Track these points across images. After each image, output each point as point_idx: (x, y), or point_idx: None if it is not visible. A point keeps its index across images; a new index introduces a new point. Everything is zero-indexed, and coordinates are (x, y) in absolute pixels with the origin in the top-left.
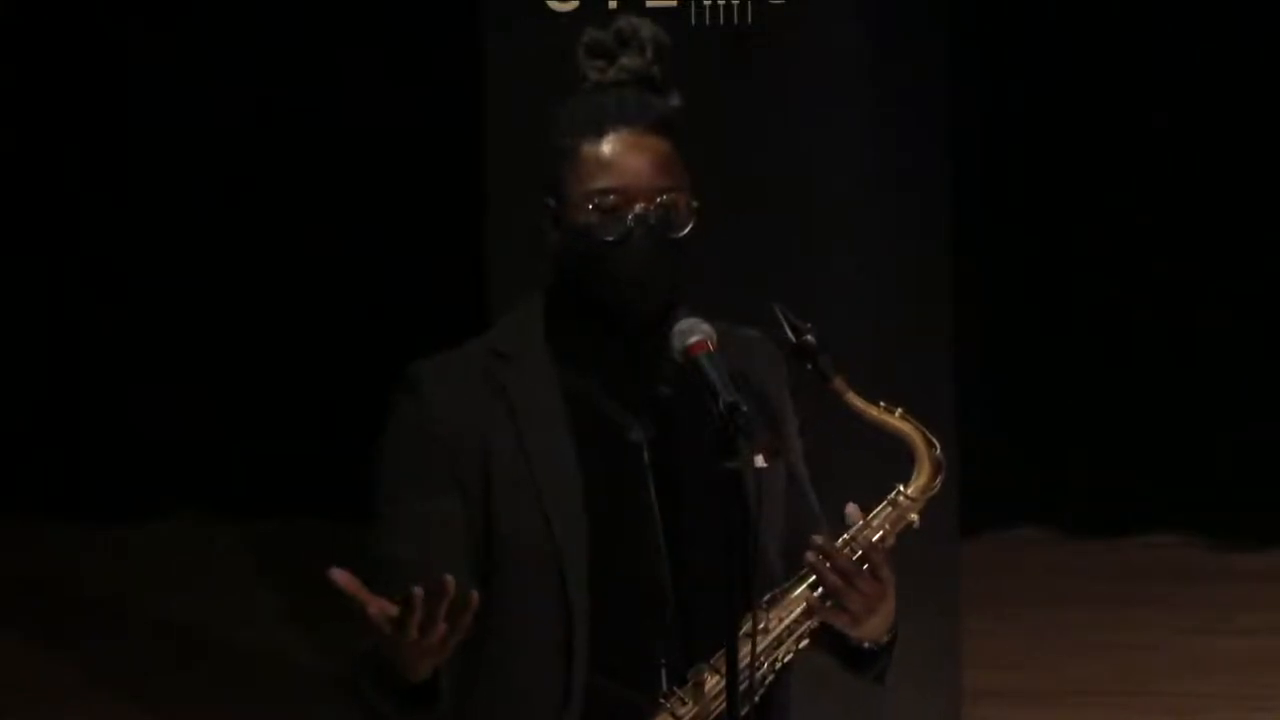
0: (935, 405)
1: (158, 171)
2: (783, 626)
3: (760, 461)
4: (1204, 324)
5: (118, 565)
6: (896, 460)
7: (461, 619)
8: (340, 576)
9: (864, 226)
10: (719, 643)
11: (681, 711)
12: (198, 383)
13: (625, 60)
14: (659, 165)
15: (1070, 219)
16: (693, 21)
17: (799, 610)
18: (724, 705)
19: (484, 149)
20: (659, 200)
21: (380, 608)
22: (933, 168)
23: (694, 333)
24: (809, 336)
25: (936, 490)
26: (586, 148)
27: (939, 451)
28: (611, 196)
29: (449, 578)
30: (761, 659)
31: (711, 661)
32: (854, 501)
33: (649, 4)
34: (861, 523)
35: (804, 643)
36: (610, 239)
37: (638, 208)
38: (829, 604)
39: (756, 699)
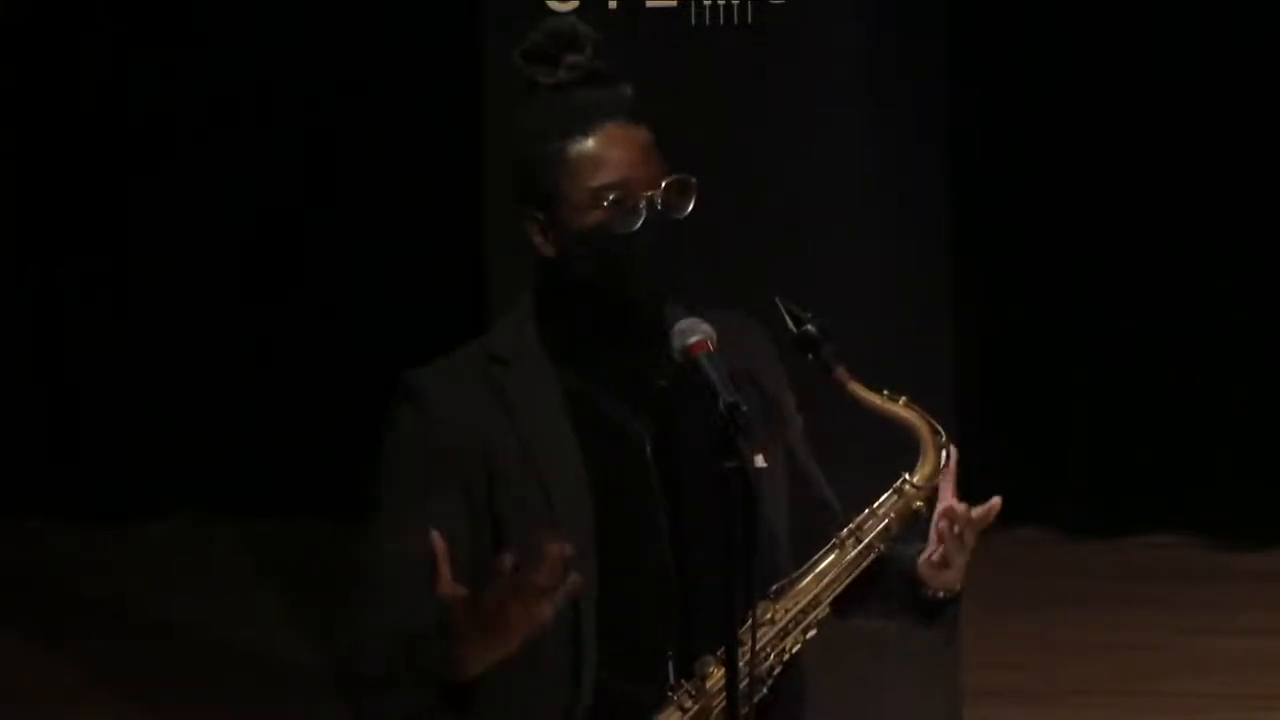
0: (935, 405)
1: (158, 172)
2: (789, 617)
3: (760, 461)
4: (1204, 324)
5: (118, 565)
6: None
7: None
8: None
9: (864, 226)
10: (724, 635)
11: (689, 704)
12: (198, 383)
13: (571, 59)
14: (650, 152)
15: (1070, 219)
16: (693, 21)
17: (807, 600)
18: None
19: (484, 149)
20: (665, 184)
21: (452, 588)
22: (933, 168)
23: (694, 333)
24: (810, 327)
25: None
26: (576, 148)
27: (944, 439)
28: (617, 191)
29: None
30: (768, 650)
31: (718, 654)
32: (858, 490)
33: (649, 4)
34: (868, 511)
35: (812, 633)
36: (629, 230)
37: (648, 194)
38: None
39: (765, 689)
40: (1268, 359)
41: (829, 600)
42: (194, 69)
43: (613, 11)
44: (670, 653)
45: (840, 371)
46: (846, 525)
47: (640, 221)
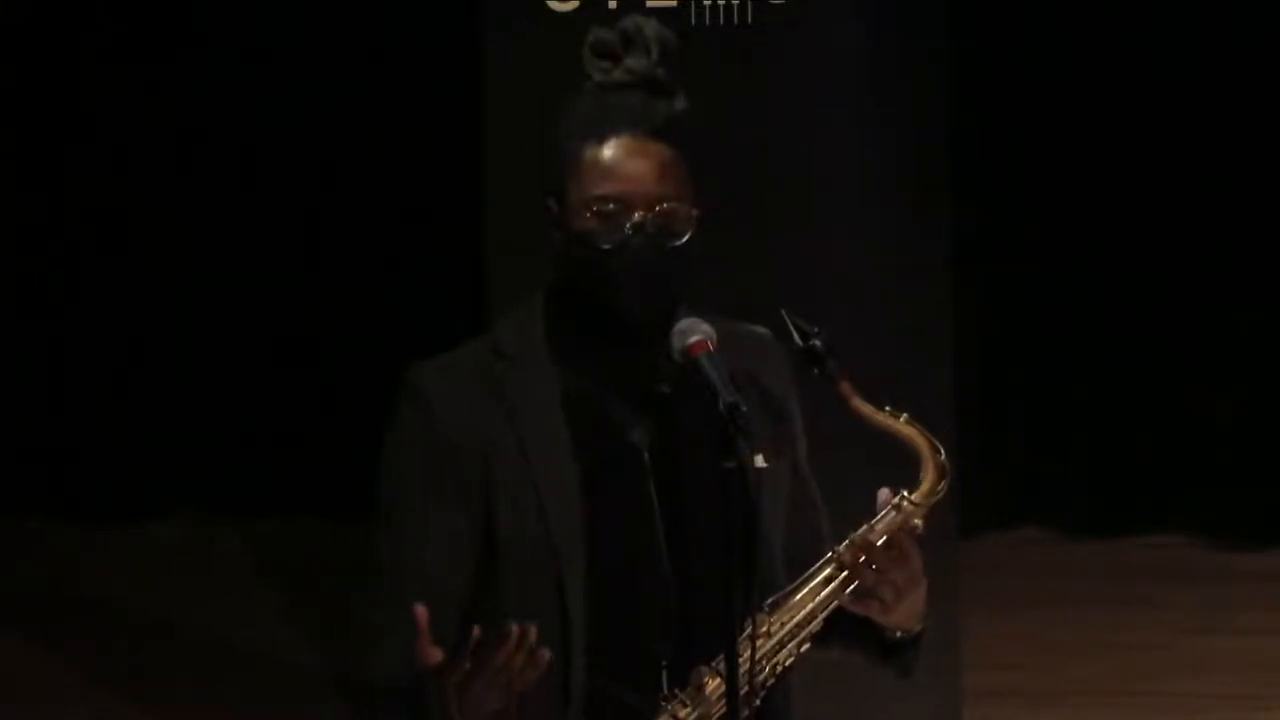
0: (935, 405)
1: (158, 172)
2: (785, 630)
3: (760, 461)
4: (1204, 324)
5: (118, 565)
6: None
7: (531, 665)
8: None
9: (864, 227)
10: (721, 644)
11: (682, 713)
12: (198, 383)
13: (630, 61)
14: (660, 172)
15: (1071, 219)
16: (693, 21)
17: (801, 614)
18: (724, 708)
19: (484, 149)
20: (658, 209)
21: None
22: (933, 168)
23: (694, 333)
24: (816, 341)
25: (941, 495)
26: (588, 152)
27: (944, 457)
28: (611, 204)
29: (513, 626)
30: (763, 662)
31: (713, 663)
32: (857, 505)
33: (649, 4)
34: (866, 527)
35: (806, 646)
36: (607, 246)
37: (636, 216)
38: (861, 593)
39: (758, 702)
40: (1268, 359)
41: (824, 615)
42: (194, 69)
43: (612, 11)
44: (665, 661)
45: (844, 386)
46: (844, 540)
47: (619, 240)
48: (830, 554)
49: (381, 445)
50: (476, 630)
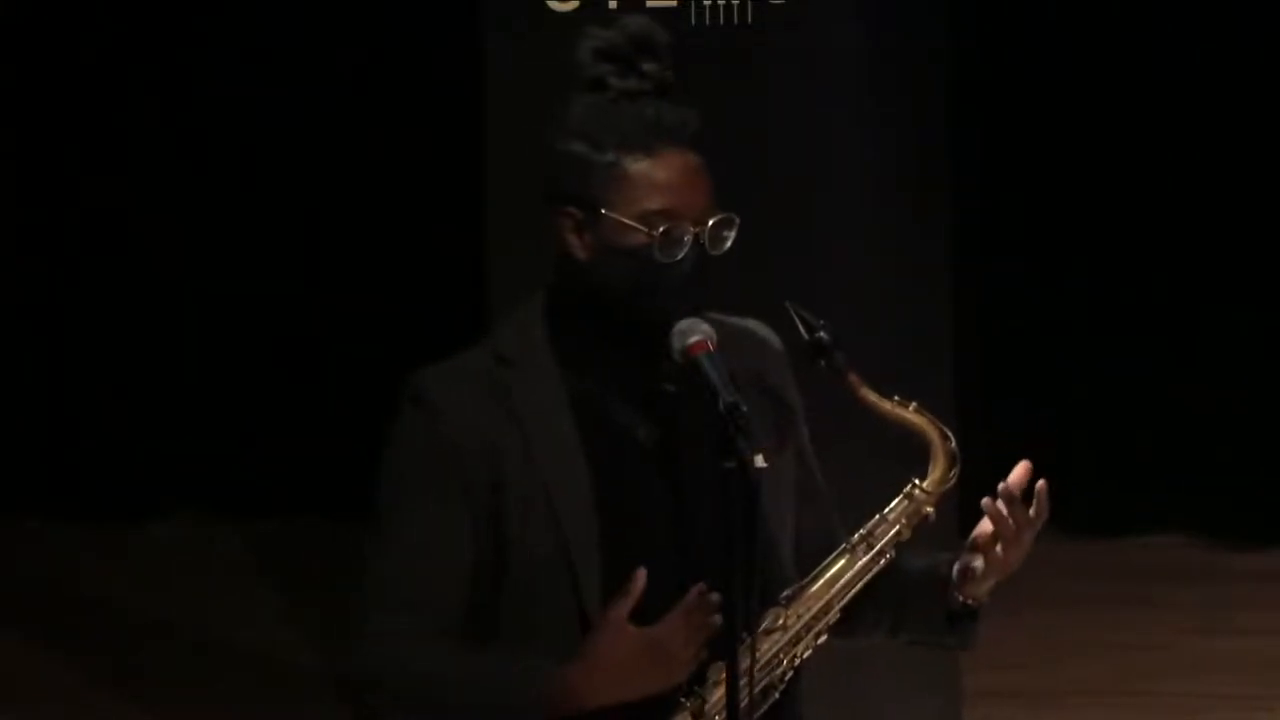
0: (935, 405)
1: (158, 172)
2: (801, 623)
3: (760, 461)
4: (1204, 323)
5: (118, 565)
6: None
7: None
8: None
9: (864, 226)
10: (740, 638)
11: (698, 707)
12: (198, 382)
13: (648, 67)
14: (706, 185)
15: (1071, 219)
16: (693, 21)
17: (818, 606)
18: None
19: (484, 149)
20: (712, 222)
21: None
22: (933, 168)
23: (694, 333)
24: (822, 334)
25: (952, 483)
26: (635, 166)
27: (954, 444)
28: (668, 220)
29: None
30: (780, 656)
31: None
32: (868, 495)
33: (649, 4)
34: (879, 516)
35: (823, 638)
36: (667, 260)
37: (694, 231)
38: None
39: (776, 695)
40: (1268, 359)
41: (840, 606)
42: (194, 68)
43: (612, 11)
44: None
45: (852, 378)
46: (857, 531)
47: (682, 253)
48: (844, 545)
49: (382, 450)
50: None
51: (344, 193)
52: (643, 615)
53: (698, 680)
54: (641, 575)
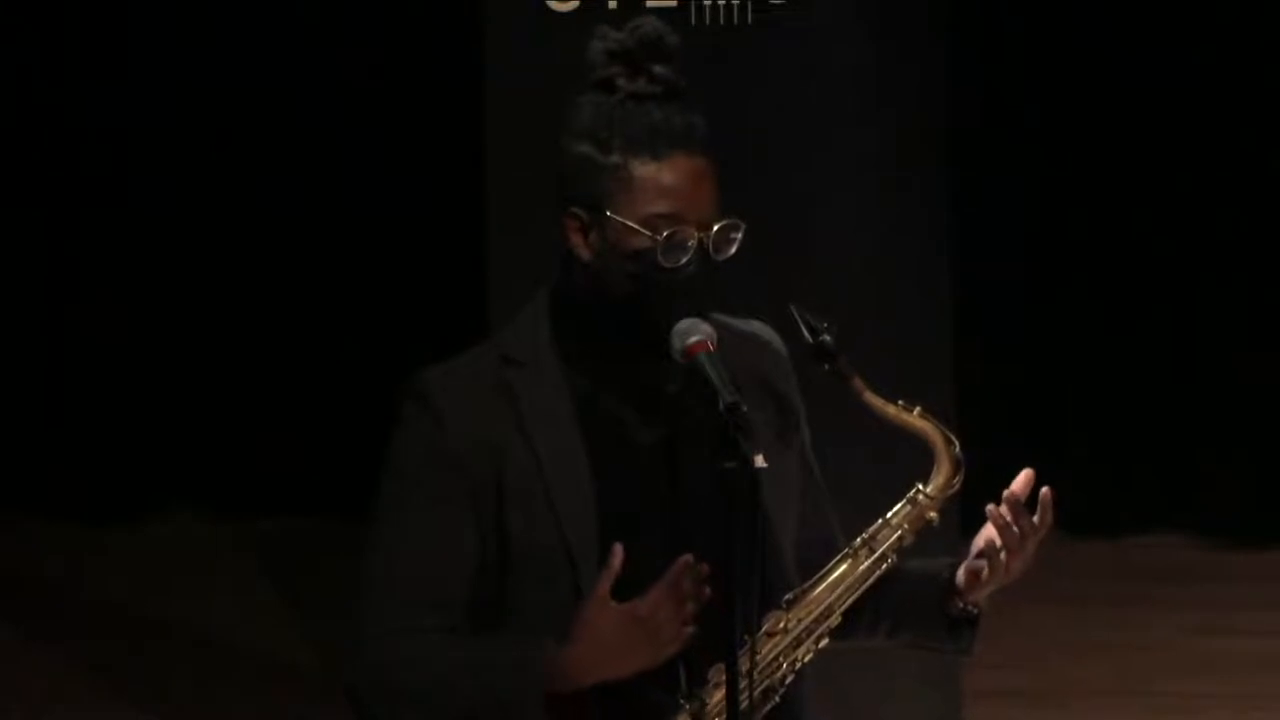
0: (935, 405)
1: (159, 171)
2: (802, 627)
3: (760, 462)
4: (1204, 323)
5: (118, 565)
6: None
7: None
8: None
9: (864, 226)
10: (741, 640)
11: (700, 711)
12: (198, 382)
13: (657, 70)
14: (713, 191)
15: (1070, 218)
16: (693, 21)
17: (820, 609)
18: (742, 704)
19: (484, 149)
20: (716, 228)
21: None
22: (933, 168)
23: (694, 333)
24: (826, 337)
25: (956, 488)
26: (642, 169)
27: (958, 449)
28: (672, 223)
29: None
30: (781, 659)
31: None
32: (871, 500)
33: (649, 4)
34: (881, 521)
35: (824, 642)
36: (673, 265)
37: (699, 236)
38: (997, 556)
39: (777, 698)
40: (1268, 359)
41: (841, 610)
42: (195, 68)
43: (612, 11)
44: (682, 659)
45: (856, 382)
46: (860, 535)
47: (687, 258)
48: (847, 549)
49: (385, 449)
50: (618, 548)
51: (345, 193)
52: None
53: (697, 682)
54: (619, 550)
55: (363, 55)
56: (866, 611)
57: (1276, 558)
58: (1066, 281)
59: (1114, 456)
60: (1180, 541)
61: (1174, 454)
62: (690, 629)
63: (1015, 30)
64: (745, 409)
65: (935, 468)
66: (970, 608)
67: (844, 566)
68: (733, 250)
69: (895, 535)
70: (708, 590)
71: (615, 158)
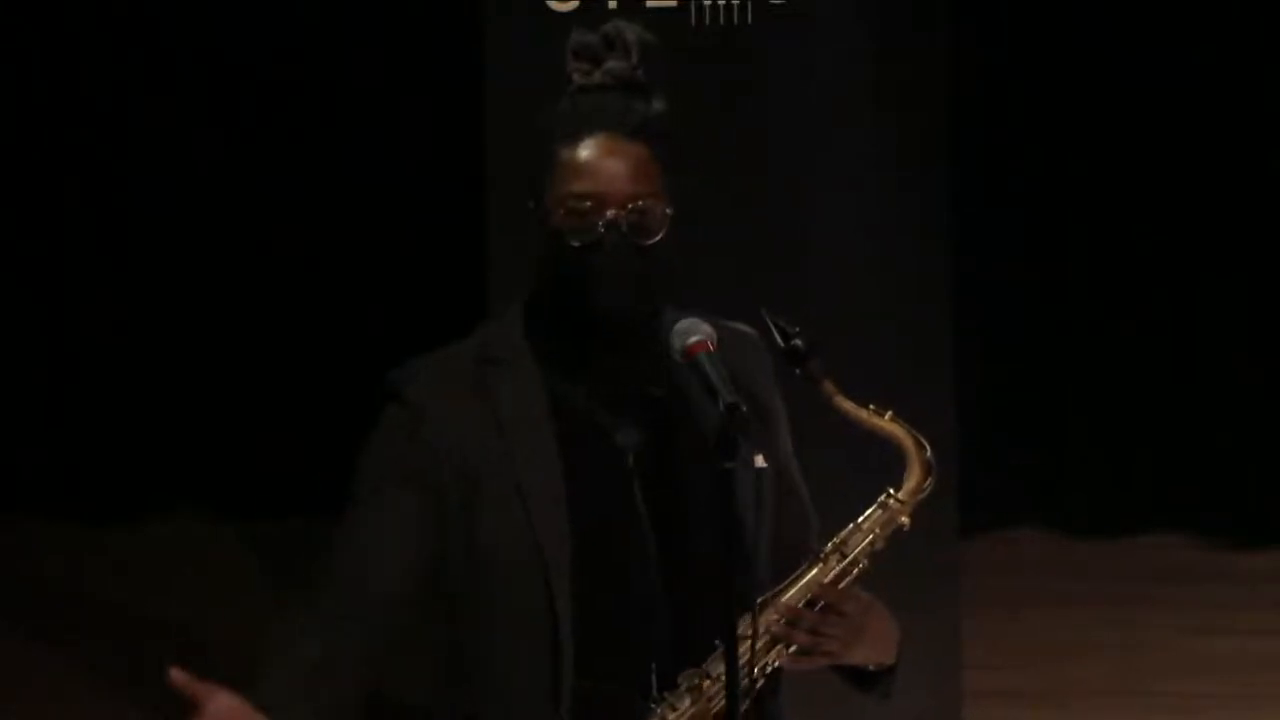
0: (935, 405)
1: (159, 170)
2: (772, 633)
3: (760, 462)
4: (1204, 323)
5: (118, 565)
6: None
7: None
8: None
9: (863, 227)
10: (712, 644)
11: (672, 715)
12: (198, 382)
13: (611, 63)
14: (634, 171)
15: (1071, 218)
16: (693, 21)
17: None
18: (716, 707)
19: (484, 149)
20: (630, 207)
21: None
22: (933, 168)
23: (694, 333)
24: (797, 341)
25: (927, 493)
26: (565, 151)
27: (929, 454)
28: (585, 202)
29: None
30: (751, 663)
31: (703, 666)
32: (844, 504)
33: (649, 4)
34: (852, 526)
35: (793, 647)
36: (579, 244)
37: (609, 213)
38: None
39: (746, 703)
40: (1268, 358)
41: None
42: (195, 68)
43: (612, 11)
44: (655, 664)
45: (827, 385)
46: (831, 540)
47: (592, 238)
48: (818, 554)
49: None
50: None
51: (344, 194)
52: (623, 615)
53: (672, 686)
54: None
55: (363, 55)
56: None
57: (1276, 558)
58: (1066, 281)
59: (1114, 456)
60: (1180, 541)
61: (1174, 454)
62: None
63: (1015, 30)
64: (745, 409)
65: (907, 472)
66: (868, 666)
67: (814, 572)
68: (657, 236)
69: (867, 540)
70: None
71: (553, 145)
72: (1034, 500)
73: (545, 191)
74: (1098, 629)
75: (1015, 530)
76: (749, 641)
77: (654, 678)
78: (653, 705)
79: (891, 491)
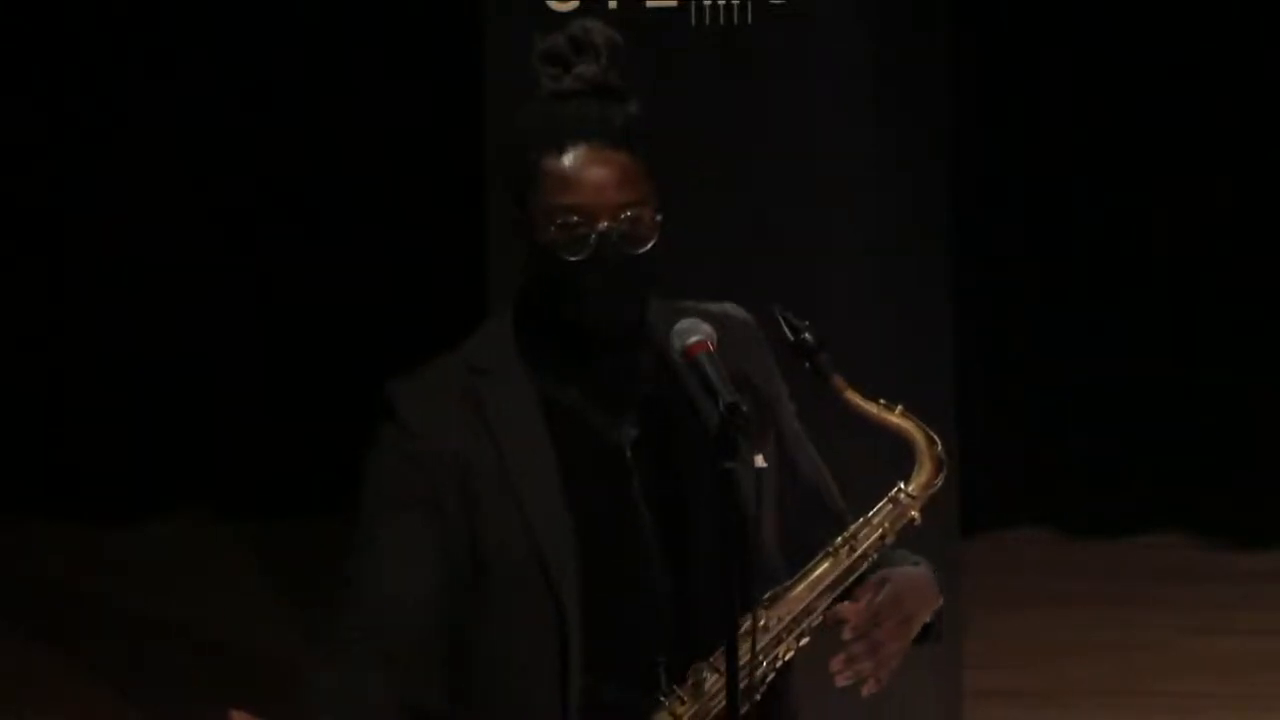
0: (935, 405)
1: (159, 170)
2: (782, 625)
3: (760, 461)
4: (1204, 323)
5: (118, 565)
6: (897, 457)
7: None
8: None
9: (864, 226)
10: (719, 641)
11: (680, 711)
12: (198, 382)
13: (581, 68)
14: (621, 180)
15: (1071, 218)
16: (693, 21)
17: (800, 608)
18: (723, 703)
19: (484, 149)
20: (622, 216)
21: None
22: (933, 167)
23: (694, 333)
24: (806, 335)
25: (938, 487)
26: (548, 163)
27: (940, 448)
28: (575, 215)
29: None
30: (761, 657)
31: (710, 660)
32: (855, 499)
33: (649, 4)
34: (862, 520)
35: (805, 640)
36: (574, 258)
37: (601, 225)
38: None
39: (757, 697)
40: (1268, 358)
41: (822, 609)
42: (194, 67)
43: (613, 11)
44: (662, 660)
45: (836, 380)
46: (841, 534)
47: (588, 252)
48: (827, 548)
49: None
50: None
51: (345, 195)
52: (629, 612)
53: (680, 682)
54: None
55: (363, 54)
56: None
57: (1276, 558)
58: (1067, 281)
59: (1114, 456)
60: (1180, 541)
61: (1174, 454)
62: None
63: (1015, 29)
64: (745, 409)
65: (917, 467)
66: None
67: (825, 565)
68: (650, 241)
69: (877, 534)
70: None
71: (534, 153)
72: (1034, 500)
73: (530, 202)
74: (1097, 629)
75: (1015, 530)
76: (750, 640)
77: (662, 674)
78: (661, 700)
79: (902, 486)
